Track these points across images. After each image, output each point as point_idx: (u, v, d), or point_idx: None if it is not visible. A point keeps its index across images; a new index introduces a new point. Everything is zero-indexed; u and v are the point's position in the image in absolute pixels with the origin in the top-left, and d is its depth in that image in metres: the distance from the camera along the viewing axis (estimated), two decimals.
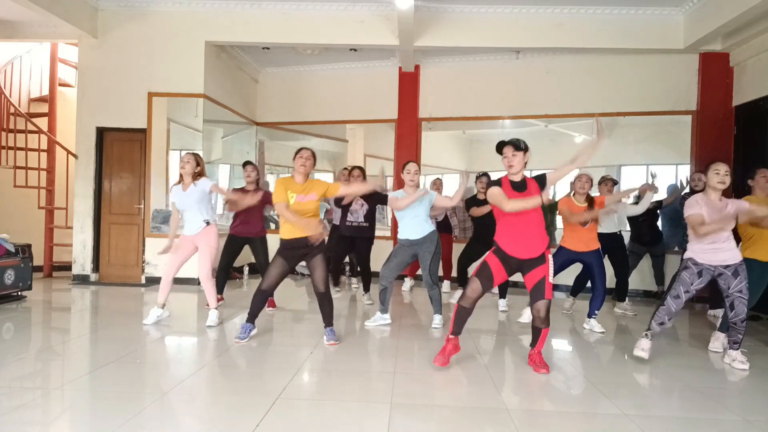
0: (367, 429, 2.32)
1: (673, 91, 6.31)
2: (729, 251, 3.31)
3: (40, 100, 7.18)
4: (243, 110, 7.42)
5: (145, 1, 6.06)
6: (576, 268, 4.64)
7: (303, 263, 3.75)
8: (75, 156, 6.34)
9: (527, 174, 3.24)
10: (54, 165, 6.86)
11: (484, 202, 3.90)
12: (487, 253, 3.22)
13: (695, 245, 3.36)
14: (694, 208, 3.29)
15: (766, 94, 5.40)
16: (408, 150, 7.14)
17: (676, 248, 5.86)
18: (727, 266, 3.30)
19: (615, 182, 5.03)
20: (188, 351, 3.67)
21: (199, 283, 4.21)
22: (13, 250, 5.03)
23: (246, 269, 7.04)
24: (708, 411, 2.63)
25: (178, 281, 4.72)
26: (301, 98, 7.74)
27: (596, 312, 4.30)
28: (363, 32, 6.09)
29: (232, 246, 4.77)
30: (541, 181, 3.12)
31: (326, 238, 5.35)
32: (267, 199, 4.50)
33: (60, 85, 7.08)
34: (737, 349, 3.39)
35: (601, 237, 4.40)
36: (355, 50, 6.88)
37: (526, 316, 4.48)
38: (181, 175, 4.14)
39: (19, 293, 5.11)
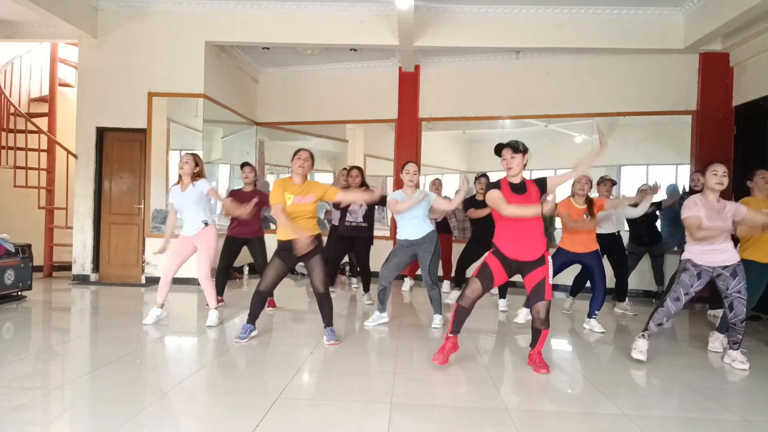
0: (367, 429, 2.32)
1: (673, 91, 6.31)
2: (727, 252, 3.31)
3: (40, 100, 7.18)
4: (243, 110, 7.42)
5: (145, 1, 6.06)
6: (575, 268, 4.65)
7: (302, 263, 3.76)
8: (75, 156, 6.34)
9: (528, 174, 3.25)
10: (54, 165, 6.86)
11: (483, 202, 3.89)
12: (487, 253, 3.22)
13: (693, 246, 3.36)
14: (691, 210, 3.29)
15: (766, 94, 5.40)
16: (408, 150, 7.14)
17: (676, 248, 5.86)
18: (725, 267, 3.30)
19: (613, 182, 5.02)
20: (188, 351, 3.67)
21: (199, 283, 4.19)
22: (13, 250, 5.03)
23: (246, 269, 7.04)
24: (708, 411, 2.63)
25: (178, 281, 4.74)
26: (301, 98, 7.74)
27: (596, 312, 4.30)
28: (363, 32, 6.09)
29: (230, 247, 4.78)
30: (541, 185, 3.12)
31: (325, 238, 5.36)
32: (265, 201, 4.51)
33: (60, 85, 7.08)
34: (737, 349, 3.39)
35: (600, 237, 4.40)
36: (355, 50, 6.88)
37: (522, 317, 4.47)
38: (180, 176, 4.15)
39: (19, 293, 5.11)
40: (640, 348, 3.42)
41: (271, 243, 4.16)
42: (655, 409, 2.64)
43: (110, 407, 2.46)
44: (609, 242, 4.81)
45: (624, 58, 6.45)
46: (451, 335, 3.23)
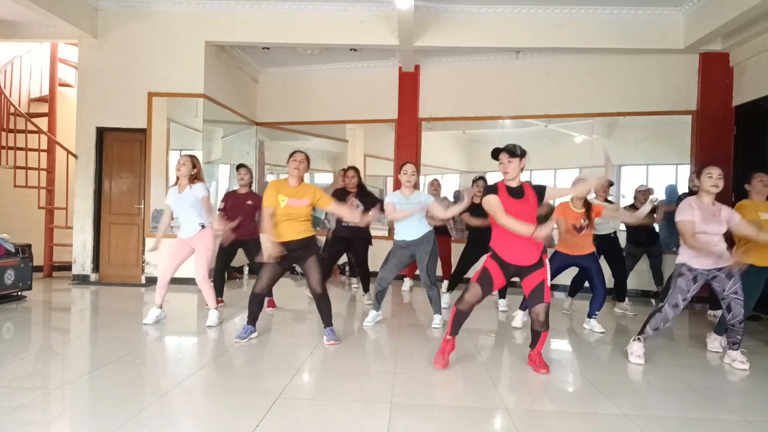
0: (367, 429, 2.32)
1: (673, 91, 6.31)
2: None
3: (40, 100, 7.18)
4: (243, 110, 7.42)
5: (145, 1, 6.06)
6: (573, 269, 4.63)
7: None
8: (75, 156, 6.34)
9: (528, 174, 3.25)
10: (54, 165, 6.87)
11: (480, 206, 3.86)
12: (485, 257, 3.22)
13: (688, 249, 3.35)
14: (686, 214, 3.28)
15: (766, 94, 5.40)
16: (408, 150, 7.14)
17: (674, 248, 5.85)
18: (720, 269, 3.30)
19: (611, 183, 5.00)
20: (188, 351, 3.67)
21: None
22: (13, 250, 5.03)
23: (246, 269, 7.04)
24: (708, 411, 2.64)
25: (178, 281, 4.74)
26: (301, 98, 7.74)
27: (596, 313, 4.30)
28: (363, 32, 6.09)
29: (225, 249, 4.78)
30: (540, 192, 3.12)
31: (328, 237, 5.35)
32: (259, 203, 4.51)
33: (60, 85, 7.08)
34: (737, 349, 3.39)
35: (596, 239, 4.40)
36: (355, 50, 6.88)
37: (519, 319, 4.44)
38: (177, 177, 4.15)
39: (19, 293, 5.11)
40: (636, 352, 3.41)
41: None
42: (655, 409, 2.64)
43: (110, 407, 2.46)
44: (605, 243, 4.80)
45: (624, 58, 6.45)
46: (449, 337, 3.23)
